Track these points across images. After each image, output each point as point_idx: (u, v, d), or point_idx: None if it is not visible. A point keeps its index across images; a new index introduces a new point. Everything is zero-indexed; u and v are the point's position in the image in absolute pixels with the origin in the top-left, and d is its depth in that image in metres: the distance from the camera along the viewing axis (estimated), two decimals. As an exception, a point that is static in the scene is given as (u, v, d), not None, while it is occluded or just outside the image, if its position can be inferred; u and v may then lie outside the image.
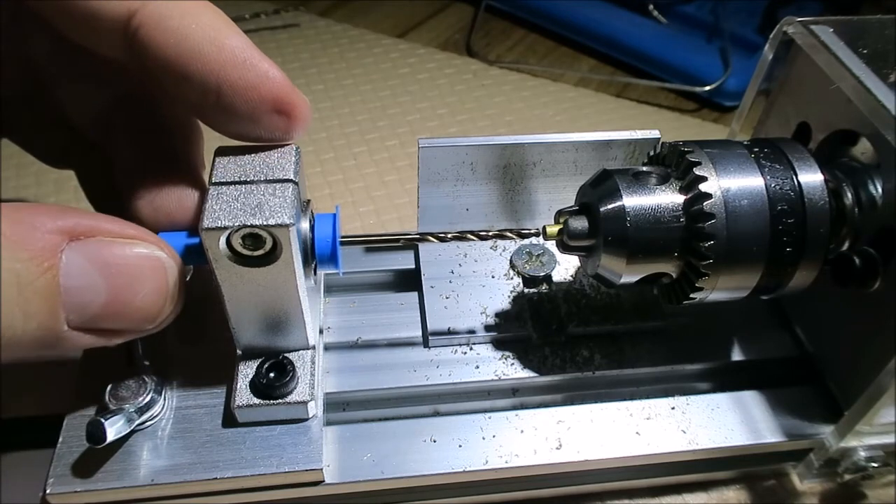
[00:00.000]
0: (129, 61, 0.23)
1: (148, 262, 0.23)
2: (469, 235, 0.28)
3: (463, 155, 0.32)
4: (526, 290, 0.33)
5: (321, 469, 0.26)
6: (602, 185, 0.26)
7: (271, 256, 0.24)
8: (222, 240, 0.23)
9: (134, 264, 0.22)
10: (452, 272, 0.34)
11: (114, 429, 0.24)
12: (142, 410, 0.26)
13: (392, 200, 0.46)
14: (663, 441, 0.28)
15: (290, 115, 0.24)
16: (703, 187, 0.25)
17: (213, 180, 0.24)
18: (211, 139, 0.25)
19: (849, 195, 0.28)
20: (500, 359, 0.31)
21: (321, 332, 0.30)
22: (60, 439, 0.26)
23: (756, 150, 0.27)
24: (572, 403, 0.30)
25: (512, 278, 0.33)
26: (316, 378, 0.27)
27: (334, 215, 0.26)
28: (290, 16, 0.62)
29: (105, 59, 0.24)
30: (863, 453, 0.29)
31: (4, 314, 0.19)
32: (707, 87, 0.55)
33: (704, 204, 0.25)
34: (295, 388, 0.27)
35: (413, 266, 0.34)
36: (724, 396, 0.30)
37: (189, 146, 0.28)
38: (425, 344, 0.31)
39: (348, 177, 0.48)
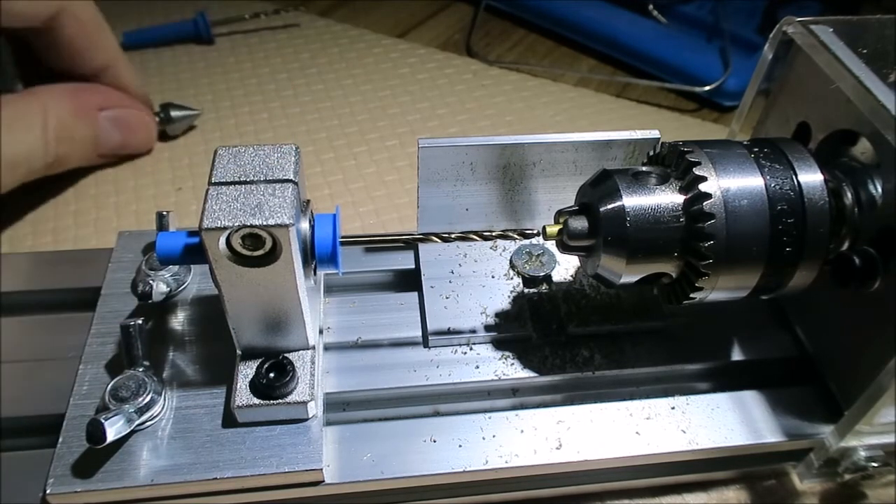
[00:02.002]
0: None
1: (141, 121, 0.46)
2: (471, 235, 0.28)
3: (463, 155, 0.32)
4: (526, 290, 0.33)
5: (321, 469, 0.26)
6: (602, 185, 0.26)
7: (271, 256, 0.24)
8: (222, 240, 0.23)
9: (134, 122, 0.45)
10: (452, 272, 0.34)
11: (114, 429, 0.24)
12: (142, 410, 0.26)
13: (392, 200, 0.46)
14: (663, 441, 0.28)
15: None
16: (702, 187, 0.25)
17: (213, 180, 0.24)
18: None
19: (849, 195, 0.28)
20: (500, 359, 0.31)
21: (321, 332, 0.30)
22: (60, 439, 0.26)
23: (756, 150, 0.27)
24: (572, 403, 0.30)
25: (512, 278, 0.33)
26: (316, 378, 0.27)
27: (334, 215, 0.26)
28: (290, 16, 0.62)
29: None
30: (863, 453, 0.29)
31: (77, 156, 0.42)
32: (707, 87, 0.55)
33: (704, 204, 0.25)
34: (295, 388, 0.27)
35: (413, 266, 0.34)
36: (724, 396, 0.30)
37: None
38: (425, 344, 0.31)
39: (348, 177, 0.48)
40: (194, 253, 0.24)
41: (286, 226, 0.23)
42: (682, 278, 0.27)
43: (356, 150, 0.50)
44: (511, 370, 0.30)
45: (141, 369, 0.27)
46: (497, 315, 0.32)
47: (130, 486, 0.25)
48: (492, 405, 0.30)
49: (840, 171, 0.28)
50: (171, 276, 0.31)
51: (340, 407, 0.29)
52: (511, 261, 0.34)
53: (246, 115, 0.52)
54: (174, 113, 0.48)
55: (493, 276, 0.34)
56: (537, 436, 0.28)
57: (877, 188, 0.27)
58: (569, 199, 0.28)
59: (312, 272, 0.27)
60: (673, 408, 0.30)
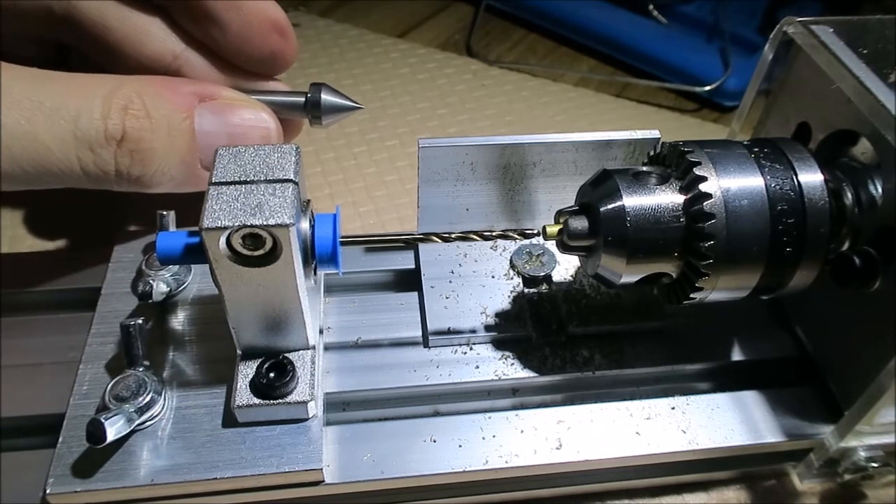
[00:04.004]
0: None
1: (254, 119, 0.32)
2: (471, 235, 0.28)
3: (463, 155, 0.32)
4: (526, 290, 0.33)
5: (321, 469, 0.26)
6: (602, 185, 0.26)
7: (271, 256, 0.24)
8: (222, 240, 0.23)
9: (245, 120, 0.31)
10: (452, 272, 0.34)
11: (114, 429, 0.24)
12: (142, 410, 0.26)
13: (392, 200, 0.46)
14: (663, 441, 0.28)
15: (285, 35, 0.34)
16: (703, 187, 0.25)
17: (213, 180, 0.24)
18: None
19: (849, 195, 0.28)
20: (500, 359, 0.31)
21: (321, 332, 0.30)
22: (60, 439, 0.26)
23: (756, 149, 0.27)
24: (572, 403, 0.30)
25: (512, 278, 0.33)
26: (316, 378, 0.27)
27: (334, 215, 0.26)
28: (290, 16, 0.61)
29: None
30: (863, 453, 0.29)
31: (160, 147, 0.28)
32: (707, 87, 0.55)
33: (704, 204, 0.25)
34: (295, 388, 0.27)
35: (413, 266, 0.34)
36: (724, 396, 0.30)
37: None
38: (425, 344, 0.31)
39: (348, 177, 0.48)
40: (194, 253, 0.24)
41: (286, 226, 0.23)
42: (682, 278, 0.27)
43: (356, 150, 0.50)
44: (511, 370, 0.30)
45: (141, 369, 0.27)
46: (497, 315, 0.32)
47: (130, 486, 0.25)
48: (492, 405, 0.30)
49: (840, 171, 0.28)
50: (171, 276, 0.31)
51: (340, 407, 0.29)
52: (511, 261, 0.34)
53: (246, 115, 0.51)
54: (327, 98, 0.34)
55: (493, 276, 0.33)
56: (537, 436, 0.28)
57: (877, 188, 0.27)
58: (569, 199, 0.28)
59: (312, 272, 0.27)
60: (673, 408, 0.30)
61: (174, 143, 0.29)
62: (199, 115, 0.30)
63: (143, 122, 0.28)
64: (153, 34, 0.32)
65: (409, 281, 0.34)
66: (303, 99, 0.34)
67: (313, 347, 0.28)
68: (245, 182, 0.24)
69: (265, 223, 0.23)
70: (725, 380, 0.31)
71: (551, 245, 0.30)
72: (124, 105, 0.27)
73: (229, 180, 0.24)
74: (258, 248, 0.23)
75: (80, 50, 0.33)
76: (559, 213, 0.27)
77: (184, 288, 0.31)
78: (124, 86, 0.28)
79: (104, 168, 0.28)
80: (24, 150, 0.26)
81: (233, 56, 0.34)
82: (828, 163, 0.28)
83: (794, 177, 0.26)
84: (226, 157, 0.25)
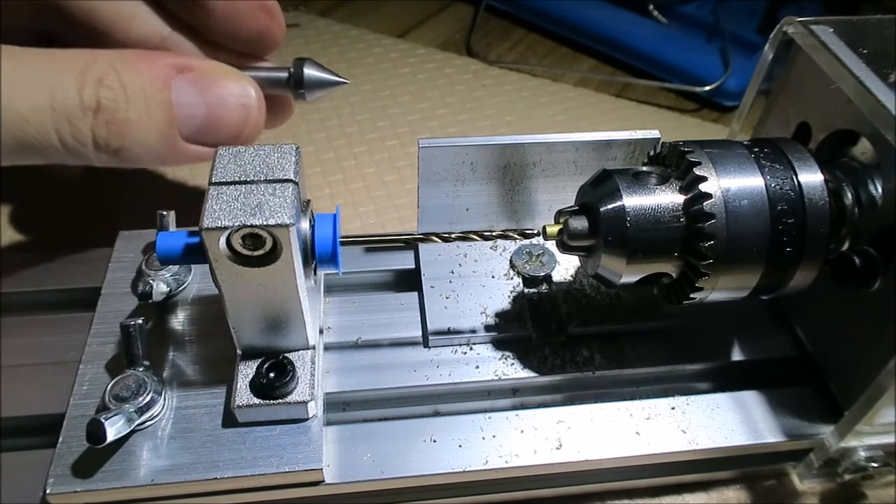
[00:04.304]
0: None
1: (234, 88, 0.31)
2: (471, 235, 0.28)
3: (463, 155, 0.32)
4: (526, 290, 0.33)
5: (321, 469, 0.26)
6: (602, 185, 0.26)
7: (271, 256, 0.24)
8: (222, 240, 0.23)
9: (225, 90, 0.31)
10: (452, 272, 0.34)
11: (114, 429, 0.24)
12: (142, 410, 0.26)
13: (392, 200, 0.46)
14: (663, 441, 0.28)
15: (272, 15, 0.33)
16: (703, 187, 0.25)
17: (213, 180, 0.24)
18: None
19: (849, 195, 0.28)
20: (500, 359, 0.31)
21: (321, 332, 0.30)
22: (60, 439, 0.26)
23: (756, 150, 0.27)
24: (572, 403, 0.30)
25: (512, 278, 0.33)
26: (316, 378, 0.27)
27: (334, 215, 0.26)
28: (290, 16, 0.62)
29: None
30: (863, 453, 0.29)
31: (135, 119, 0.28)
32: (707, 87, 0.55)
33: (704, 204, 0.25)
34: (295, 388, 0.27)
35: (413, 266, 0.34)
36: (724, 396, 0.30)
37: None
38: (425, 344, 0.31)
39: (348, 177, 0.48)
40: (194, 253, 0.24)
41: (286, 226, 0.23)
42: (682, 278, 0.27)
43: (356, 150, 0.50)
44: (511, 370, 0.30)
45: (141, 369, 0.27)
46: (497, 315, 0.32)
47: (130, 486, 0.25)
48: (492, 405, 0.30)
49: (840, 171, 0.28)
50: (171, 276, 0.31)
51: (340, 407, 0.29)
52: (511, 261, 0.34)
53: (246, 115, 0.51)
54: (310, 72, 0.34)
55: (493, 276, 0.33)
56: (537, 436, 0.28)
57: (877, 188, 0.27)
58: (569, 199, 0.28)
59: (312, 272, 0.27)
60: (673, 408, 0.30)
61: (151, 114, 0.29)
62: (177, 86, 0.29)
63: (118, 94, 0.28)
64: (140, 17, 0.32)
65: (409, 281, 0.34)
66: (286, 74, 0.34)
67: (313, 347, 0.28)
68: (245, 182, 0.24)
69: (265, 223, 0.23)
70: (725, 380, 0.31)
71: (551, 245, 0.30)
72: (99, 77, 0.27)
73: (229, 180, 0.24)
74: (258, 248, 0.23)
75: (67, 38, 0.33)
76: (559, 213, 0.27)
77: (184, 288, 0.31)
78: (100, 59, 0.28)
79: (81, 140, 0.28)
80: (3, 124, 0.26)
81: (220, 37, 0.33)
82: (828, 163, 0.28)
83: (794, 177, 0.26)
84: (226, 156, 0.25)
